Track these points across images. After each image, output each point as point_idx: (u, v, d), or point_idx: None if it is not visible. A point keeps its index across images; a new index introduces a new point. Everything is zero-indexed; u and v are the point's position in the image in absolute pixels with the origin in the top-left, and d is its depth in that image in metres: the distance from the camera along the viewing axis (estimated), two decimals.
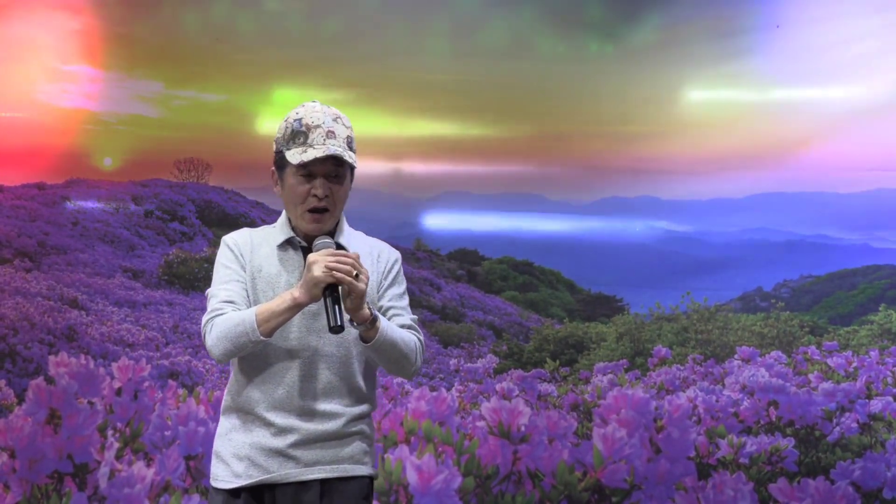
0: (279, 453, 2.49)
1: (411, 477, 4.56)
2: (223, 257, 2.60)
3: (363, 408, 2.57)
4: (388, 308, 2.57)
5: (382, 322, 2.43)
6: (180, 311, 6.54)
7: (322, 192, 2.51)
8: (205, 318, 2.54)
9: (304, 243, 2.57)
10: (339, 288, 2.37)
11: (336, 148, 2.50)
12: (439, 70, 6.65)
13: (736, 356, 5.99)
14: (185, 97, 6.72)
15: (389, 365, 2.51)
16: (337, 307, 2.37)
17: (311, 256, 2.40)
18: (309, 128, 2.56)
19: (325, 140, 2.52)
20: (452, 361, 6.36)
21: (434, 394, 5.16)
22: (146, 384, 5.19)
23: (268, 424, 2.51)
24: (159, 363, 6.12)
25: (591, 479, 4.78)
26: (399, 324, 2.54)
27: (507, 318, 6.85)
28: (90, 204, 6.83)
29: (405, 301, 2.62)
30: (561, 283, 7.05)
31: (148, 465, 4.85)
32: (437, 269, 7.10)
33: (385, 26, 6.56)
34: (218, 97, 6.71)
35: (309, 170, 2.52)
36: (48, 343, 6.16)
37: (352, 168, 2.56)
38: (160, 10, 6.54)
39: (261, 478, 2.49)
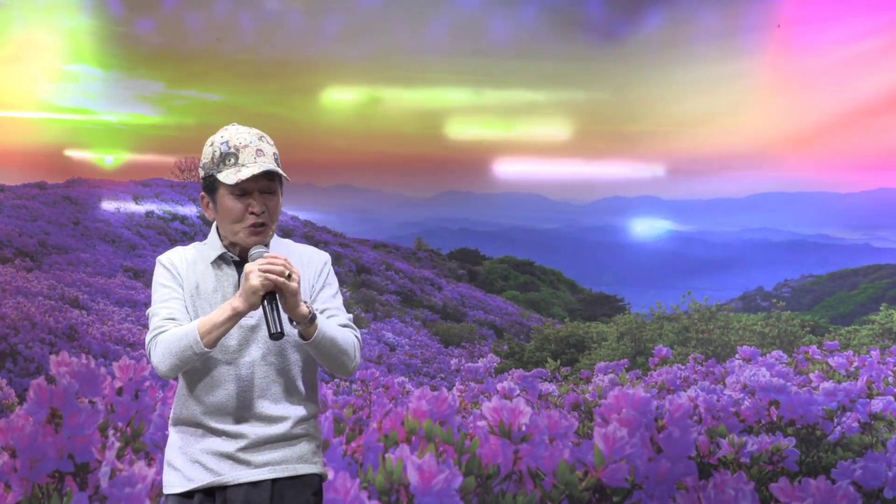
0: (230, 457, 2.59)
1: (412, 476, 4.56)
2: (160, 277, 2.69)
3: (307, 410, 2.67)
4: (324, 310, 2.65)
5: (320, 320, 2.53)
6: None
7: (259, 207, 2.62)
8: (148, 337, 2.62)
9: (236, 258, 2.67)
10: (277, 295, 2.46)
11: (268, 164, 2.61)
12: (440, 69, 6.65)
13: (737, 356, 5.99)
14: (186, 97, 6.72)
15: (330, 361, 2.59)
16: (276, 313, 2.45)
17: (247, 266, 2.49)
18: (238, 148, 2.64)
19: (255, 158, 2.62)
20: (453, 361, 6.36)
21: (435, 393, 5.17)
22: (147, 384, 5.19)
23: (216, 432, 2.60)
24: None
25: (592, 478, 4.78)
26: (339, 323, 2.63)
27: (507, 318, 6.85)
28: (91, 203, 6.83)
29: (339, 301, 2.72)
30: (562, 282, 7.05)
31: (149, 465, 4.86)
32: (437, 269, 7.10)
33: (385, 26, 6.56)
34: (219, 97, 6.71)
35: (243, 188, 2.62)
36: (49, 342, 6.16)
37: (281, 183, 2.68)
38: (161, 9, 6.54)
39: (213, 480, 2.58)
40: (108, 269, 6.65)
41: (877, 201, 6.43)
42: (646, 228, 6.70)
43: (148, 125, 6.71)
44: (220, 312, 2.50)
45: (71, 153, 6.71)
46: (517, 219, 6.95)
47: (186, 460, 2.62)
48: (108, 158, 6.75)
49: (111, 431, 5.02)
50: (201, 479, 2.59)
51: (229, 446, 2.59)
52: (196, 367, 2.60)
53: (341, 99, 6.70)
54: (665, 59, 6.40)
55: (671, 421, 4.96)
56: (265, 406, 2.60)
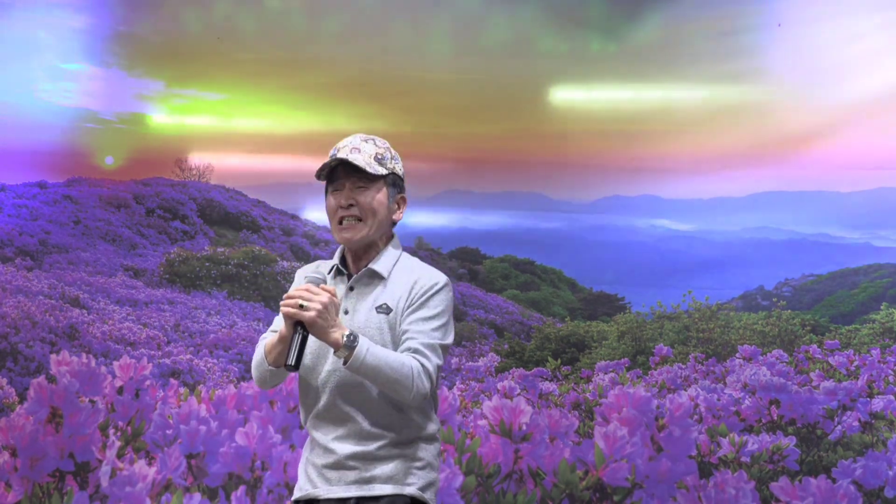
0: (320, 471, 2.62)
1: None
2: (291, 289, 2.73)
3: (400, 431, 2.61)
4: (404, 331, 2.60)
5: (362, 347, 2.46)
6: (182, 310, 6.54)
7: (346, 200, 2.61)
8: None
9: (346, 270, 2.68)
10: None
11: (350, 157, 2.60)
12: (440, 69, 6.65)
13: (737, 355, 5.99)
14: (187, 96, 6.72)
15: (382, 388, 2.54)
16: (299, 344, 2.45)
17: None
18: (339, 149, 2.66)
19: (347, 154, 2.62)
20: (454, 360, 6.36)
21: None
22: (147, 383, 5.19)
23: (315, 444, 2.66)
24: (161, 362, 6.12)
25: (593, 477, 4.77)
26: (406, 347, 2.56)
27: (508, 317, 6.85)
28: (91, 202, 6.83)
29: (427, 325, 2.60)
30: (562, 281, 7.05)
31: (149, 464, 4.86)
32: (438, 268, 7.10)
33: (386, 25, 6.56)
34: (219, 96, 6.71)
35: (336, 185, 2.64)
36: (50, 342, 6.16)
37: (391, 181, 2.65)
38: (161, 8, 6.54)
39: (309, 492, 2.64)
40: (109, 268, 6.64)
41: (877, 200, 6.42)
42: (646, 227, 6.70)
43: (148, 124, 6.71)
44: (277, 334, 2.56)
45: (71, 153, 6.71)
46: (518, 218, 6.95)
47: (301, 468, 2.71)
48: (109, 158, 6.75)
49: (111, 430, 5.02)
50: (302, 490, 2.66)
51: (321, 460, 2.63)
52: (300, 378, 2.67)
53: (341, 98, 6.70)
54: (665, 58, 6.40)
55: (672, 420, 4.95)
56: (351, 422, 2.60)
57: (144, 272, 6.68)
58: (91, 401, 5.02)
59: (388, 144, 2.71)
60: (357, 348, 2.45)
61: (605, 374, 6.02)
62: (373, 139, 2.68)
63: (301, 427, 2.74)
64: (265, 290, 6.77)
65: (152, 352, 6.19)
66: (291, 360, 2.43)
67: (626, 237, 6.73)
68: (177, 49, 6.64)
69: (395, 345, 2.59)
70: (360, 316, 2.61)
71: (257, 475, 4.92)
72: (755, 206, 6.53)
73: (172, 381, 5.75)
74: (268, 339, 2.65)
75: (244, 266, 6.85)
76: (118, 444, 4.96)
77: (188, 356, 6.25)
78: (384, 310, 2.61)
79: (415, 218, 6.89)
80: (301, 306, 2.43)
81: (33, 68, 6.54)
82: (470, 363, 6.27)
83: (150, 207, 6.99)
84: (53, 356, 5.12)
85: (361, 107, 6.67)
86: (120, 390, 5.11)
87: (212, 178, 6.96)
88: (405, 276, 2.65)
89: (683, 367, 5.99)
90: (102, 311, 6.38)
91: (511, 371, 6.18)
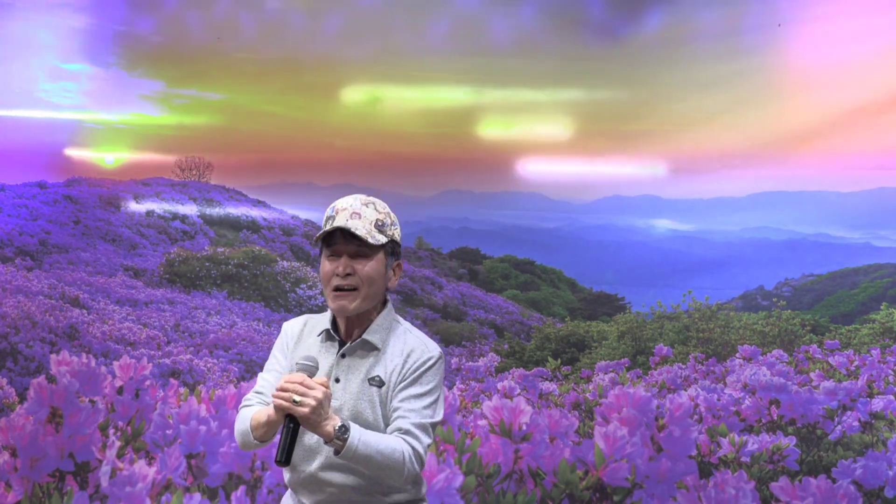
0: None
1: None
2: (276, 344, 2.71)
3: (388, 495, 2.59)
4: (395, 409, 2.54)
5: (353, 438, 2.41)
6: (182, 310, 6.54)
7: (343, 269, 2.54)
8: (241, 404, 2.67)
9: (338, 337, 2.62)
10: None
11: (349, 224, 2.53)
12: (440, 69, 6.65)
13: (737, 355, 5.99)
14: (187, 96, 6.72)
15: (374, 474, 2.50)
16: (289, 437, 2.40)
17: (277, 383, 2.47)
18: (338, 211, 2.58)
19: (347, 220, 2.55)
20: (454, 360, 6.36)
21: None
22: (147, 383, 5.19)
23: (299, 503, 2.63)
24: (161, 362, 6.12)
25: (593, 477, 4.77)
26: (397, 427, 2.51)
27: (508, 317, 6.84)
28: (91, 202, 6.83)
29: (419, 403, 2.55)
30: (562, 281, 7.05)
31: (149, 464, 4.85)
32: (438, 268, 7.10)
33: (386, 25, 6.56)
34: (219, 96, 6.71)
35: (334, 250, 2.57)
36: (50, 342, 6.16)
37: (389, 250, 2.60)
38: (161, 8, 6.54)
39: None
40: (109, 268, 6.64)
41: (877, 200, 6.42)
42: (646, 227, 6.70)
43: (148, 124, 6.72)
44: (263, 413, 2.49)
45: (71, 152, 6.71)
46: (518, 218, 6.95)
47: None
48: (109, 158, 6.75)
49: (111, 430, 5.02)
50: None
51: None
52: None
53: (341, 98, 6.70)
54: (665, 58, 6.40)
55: (672, 420, 4.95)
56: (338, 489, 2.56)
57: (144, 272, 6.68)
58: (91, 401, 5.02)
59: (388, 209, 2.63)
60: (349, 440, 2.40)
61: (605, 374, 6.02)
62: (373, 203, 2.60)
63: (285, 484, 2.70)
64: (265, 290, 6.77)
65: (152, 352, 6.19)
66: (282, 457, 2.39)
67: (626, 237, 6.73)
68: (177, 49, 6.64)
69: (386, 419, 2.54)
70: (352, 387, 2.55)
71: (257, 475, 4.92)
72: (755, 206, 6.53)
73: (172, 381, 5.75)
74: (253, 407, 2.59)
75: (244, 266, 6.85)
76: (118, 444, 4.96)
77: (188, 356, 6.24)
78: (377, 382, 2.56)
79: (415, 218, 6.89)
80: (295, 402, 2.38)
81: (33, 68, 6.54)
82: (470, 363, 6.27)
83: (149, 208, 6.99)
84: (53, 356, 5.12)
85: (361, 107, 6.67)
86: (120, 390, 5.11)
87: (211, 178, 6.96)
88: (399, 346, 2.59)
89: (683, 367, 5.99)
90: (102, 311, 6.38)
91: (511, 371, 6.18)
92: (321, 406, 2.38)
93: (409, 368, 2.56)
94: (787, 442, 5.31)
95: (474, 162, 6.76)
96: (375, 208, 2.59)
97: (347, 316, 2.59)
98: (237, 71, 6.63)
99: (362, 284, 2.54)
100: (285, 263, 6.89)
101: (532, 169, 6.73)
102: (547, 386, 5.99)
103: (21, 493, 4.80)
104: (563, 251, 6.97)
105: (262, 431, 2.49)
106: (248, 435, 2.52)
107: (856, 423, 5.55)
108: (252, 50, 6.61)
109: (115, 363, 5.22)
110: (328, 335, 2.62)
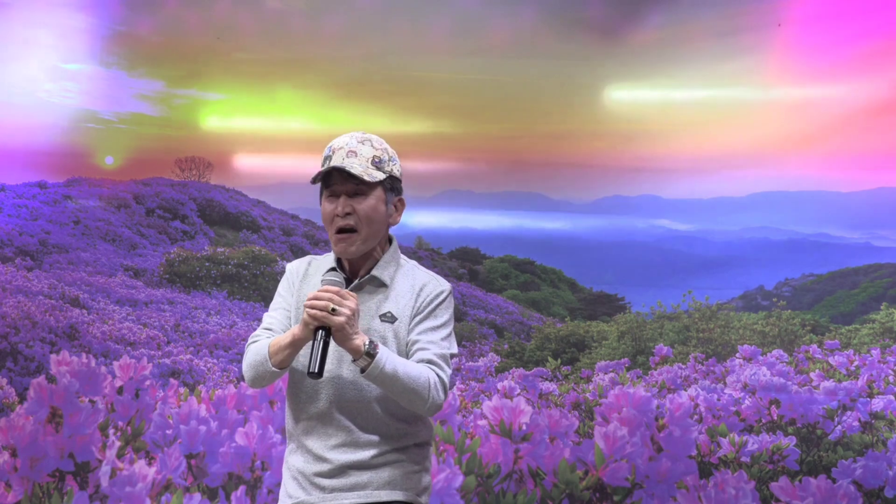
0: (312, 479, 2.54)
1: None
2: (281, 284, 2.69)
3: (398, 438, 2.57)
4: (415, 342, 2.54)
5: (382, 355, 2.40)
6: (182, 310, 6.54)
7: (342, 209, 2.52)
8: (248, 342, 2.63)
9: (345, 274, 2.59)
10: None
11: (345, 163, 2.51)
12: (440, 69, 6.65)
13: (737, 355, 5.99)
14: (187, 95, 6.72)
15: (398, 398, 2.48)
16: (321, 350, 2.37)
17: (309, 294, 2.43)
18: (334, 150, 2.57)
19: (343, 159, 2.53)
20: (454, 360, 6.35)
21: None
22: (147, 383, 5.19)
23: (305, 450, 2.57)
24: (161, 362, 6.12)
25: (593, 477, 4.77)
26: (420, 358, 2.51)
27: (508, 317, 6.84)
28: (91, 202, 6.83)
29: (437, 335, 2.56)
30: (562, 281, 7.05)
31: (149, 464, 4.86)
32: (438, 268, 7.10)
33: (386, 25, 6.56)
34: (219, 96, 6.71)
35: (333, 190, 2.55)
36: (50, 342, 6.15)
37: (389, 186, 2.57)
38: (161, 8, 6.54)
39: (302, 499, 2.55)
40: (109, 268, 6.64)
41: (877, 200, 6.42)
42: (646, 227, 6.70)
43: (148, 124, 6.71)
44: (286, 335, 2.47)
45: (71, 152, 6.71)
46: (518, 218, 6.95)
47: (289, 475, 2.60)
48: (109, 158, 6.75)
49: (111, 430, 5.02)
50: (294, 497, 2.56)
51: (315, 467, 2.54)
52: (292, 382, 2.59)
53: (341, 98, 6.70)
54: (665, 58, 6.39)
55: (672, 420, 4.95)
56: (346, 431, 2.53)
57: (144, 272, 6.67)
58: (91, 401, 5.02)
59: (385, 144, 2.61)
60: (377, 356, 2.39)
61: (605, 374, 6.02)
62: (369, 139, 2.58)
63: (287, 432, 2.66)
64: (265, 290, 6.76)
65: (152, 352, 6.19)
66: (315, 367, 2.36)
67: (626, 237, 6.73)
68: (177, 49, 6.64)
69: (402, 355, 2.53)
70: (361, 323, 2.51)
71: (257, 475, 4.92)
72: (755, 206, 6.53)
73: (172, 381, 5.75)
74: (262, 337, 2.57)
75: (244, 266, 6.85)
76: (118, 444, 4.96)
77: (188, 356, 6.25)
78: (389, 318, 2.56)
79: (415, 218, 6.88)
80: (332, 311, 2.36)
81: (33, 68, 6.53)
82: (470, 363, 6.27)
83: (150, 207, 6.99)
84: (53, 356, 5.12)
85: (361, 107, 6.67)
86: (120, 390, 5.11)
87: (212, 177, 6.96)
88: (408, 282, 2.60)
89: (683, 367, 5.99)
90: (102, 311, 6.38)
91: (511, 371, 6.18)
92: (356, 315, 2.38)
93: (423, 302, 2.56)
94: (787, 442, 5.32)
95: (474, 162, 6.76)
96: (372, 145, 2.58)
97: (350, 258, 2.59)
98: (237, 71, 6.63)
99: (361, 224, 2.53)
100: (285, 263, 6.89)
101: (532, 169, 6.73)
102: (547, 386, 5.99)
103: (21, 493, 4.80)
104: (562, 251, 6.96)
105: (285, 354, 2.46)
106: (266, 363, 2.48)
107: (856, 423, 5.55)
108: (252, 50, 6.61)
109: (115, 363, 5.23)
110: (335, 272, 2.59)
